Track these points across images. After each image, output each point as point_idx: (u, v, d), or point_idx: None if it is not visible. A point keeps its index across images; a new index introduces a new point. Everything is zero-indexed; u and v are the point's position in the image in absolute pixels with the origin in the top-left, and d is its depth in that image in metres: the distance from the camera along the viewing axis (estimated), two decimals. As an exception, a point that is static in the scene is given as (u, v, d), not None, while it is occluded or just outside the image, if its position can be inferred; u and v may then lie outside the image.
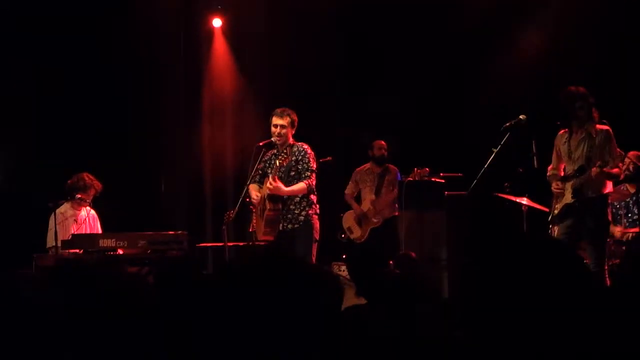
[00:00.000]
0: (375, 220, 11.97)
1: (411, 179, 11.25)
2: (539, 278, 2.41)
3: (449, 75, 12.51)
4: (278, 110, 9.38)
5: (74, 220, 10.28)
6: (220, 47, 13.90)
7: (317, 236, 9.37)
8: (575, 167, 8.59)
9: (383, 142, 12.19)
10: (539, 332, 2.35)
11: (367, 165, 12.28)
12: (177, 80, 13.53)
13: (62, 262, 5.75)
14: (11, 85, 11.76)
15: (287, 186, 9.17)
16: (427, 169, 11.28)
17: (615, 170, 8.54)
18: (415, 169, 11.31)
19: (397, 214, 11.84)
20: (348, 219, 12.22)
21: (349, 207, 12.30)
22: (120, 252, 9.40)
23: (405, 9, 12.55)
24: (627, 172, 9.72)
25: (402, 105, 12.49)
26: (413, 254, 7.36)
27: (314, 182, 9.32)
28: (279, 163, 9.05)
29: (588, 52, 11.51)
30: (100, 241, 9.42)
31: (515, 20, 12.26)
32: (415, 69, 12.40)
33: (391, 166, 12.16)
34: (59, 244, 9.59)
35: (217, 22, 13.78)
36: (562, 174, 8.83)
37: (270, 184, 9.00)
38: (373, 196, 12.06)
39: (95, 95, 12.35)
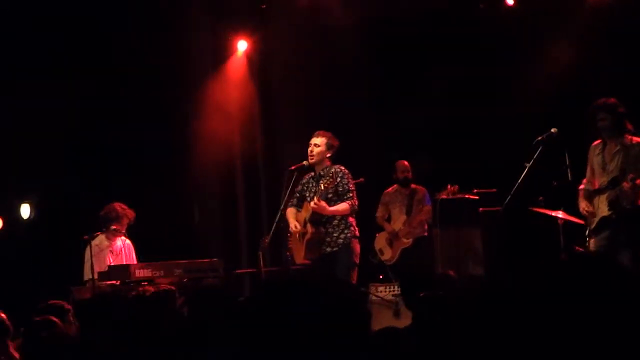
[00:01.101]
0: (406, 241, 11.93)
1: (445, 197, 11.22)
2: (583, 292, 2.36)
3: (479, 90, 12.45)
4: (316, 132, 9.47)
5: (110, 251, 10.29)
6: (249, 70, 13.91)
7: (356, 260, 9.36)
8: (609, 179, 8.52)
9: (406, 163, 12.16)
10: (587, 350, 2.31)
11: (395, 187, 12.26)
12: (208, 107, 13.53)
13: (99, 296, 5.78)
14: (42, 116, 11.79)
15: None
16: (457, 186, 11.26)
17: None
18: (449, 185, 11.29)
19: (426, 234, 11.82)
20: (380, 241, 12.20)
21: (379, 230, 12.27)
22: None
23: (434, 23, 12.51)
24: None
25: (432, 121, 12.46)
26: (452, 273, 7.30)
27: (356, 203, 9.33)
28: (324, 186, 9.08)
29: (619, 62, 11.43)
30: (136, 271, 9.43)
31: (546, 31, 12.19)
32: (445, 84, 12.36)
33: (418, 187, 12.12)
34: (96, 276, 9.60)
35: (242, 45, 13.76)
36: (596, 188, 8.75)
37: (315, 203, 9.01)
38: (404, 216, 12.03)
39: (126, 123, 12.37)
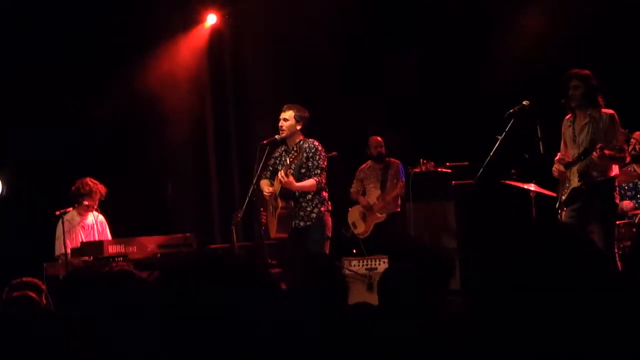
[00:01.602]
0: (380, 215, 11.98)
1: (417, 170, 11.25)
2: (552, 263, 2.39)
3: (449, 63, 12.46)
4: (284, 106, 9.44)
5: (81, 226, 10.26)
6: (220, 45, 13.87)
7: (329, 233, 9.40)
8: (580, 151, 8.57)
9: (379, 138, 12.20)
10: (553, 318, 2.33)
11: (369, 163, 12.28)
12: (179, 81, 13.48)
13: (72, 272, 5.76)
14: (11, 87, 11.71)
15: (298, 182, 9.19)
16: (433, 163, 11.30)
17: (621, 154, 8.52)
18: (421, 160, 11.31)
19: (399, 209, 11.85)
20: (353, 214, 12.24)
21: (353, 204, 12.30)
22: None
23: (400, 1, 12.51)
24: (633, 153, 9.72)
25: (405, 96, 12.45)
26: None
27: (324, 180, 9.34)
28: (290, 160, 9.08)
29: (592, 34, 11.45)
30: (109, 247, 9.42)
31: (515, 2, 12.19)
32: (415, 60, 12.36)
33: (393, 160, 12.15)
34: (69, 252, 9.58)
35: (212, 19, 13.70)
36: (568, 160, 8.79)
37: (283, 177, 9.01)
38: (379, 191, 12.07)
39: (97, 98, 12.30)
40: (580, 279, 2.35)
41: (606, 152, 8.30)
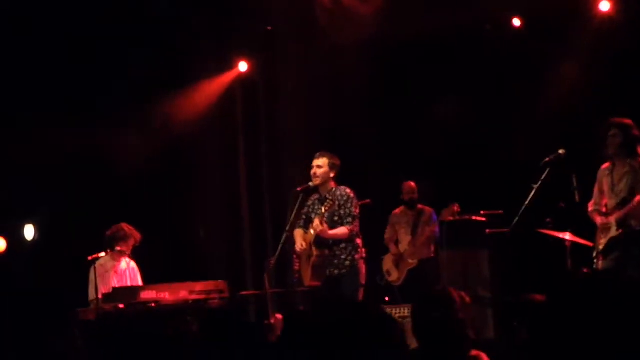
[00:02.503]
0: (411, 261, 11.93)
1: (451, 219, 11.23)
2: (602, 314, 2.32)
3: (486, 112, 12.44)
4: (317, 153, 9.45)
5: (115, 272, 10.24)
6: (253, 92, 13.92)
7: (363, 281, 9.37)
8: (618, 200, 8.49)
9: (412, 184, 12.19)
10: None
11: (402, 208, 12.26)
12: (211, 126, 13.53)
13: (103, 317, 5.74)
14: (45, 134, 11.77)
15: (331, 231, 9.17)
16: (457, 205, 11.27)
17: None
18: (449, 204, 11.31)
19: (432, 255, 11.81)
20: (387, 262, 12.20)
21: (388, 252, 12.27)
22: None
23: (440, 45, 12.50)
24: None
25: (440, 143, 12.44)
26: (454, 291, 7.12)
27: (356, 228, 9.32)
28: (325, 209, 9.06)
29: (628, 84, 11.39)
30: (141, 293, 9.39)
31: (553, 52, 12.16)
32: (450, 108, 12.33)
33: (425, 207, 12.12)
34: (100, 297, 9.56)
35: (242, 66, 13.75)
36: (605, 210, 8.71)
37: (317, 226, 8.99)
38: (410, 237, 12.03)
39: (131, 144, 12.35)
40: (631, 328, 2.28)
41: None
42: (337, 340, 2.63)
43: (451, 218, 11.31)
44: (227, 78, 13.73)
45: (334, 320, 2.65)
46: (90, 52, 12.09)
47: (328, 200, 9.18)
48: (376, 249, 11.61)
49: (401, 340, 2.90)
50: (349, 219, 9.27)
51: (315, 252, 9.27)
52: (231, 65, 13.72)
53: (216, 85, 13.66)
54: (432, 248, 11.88)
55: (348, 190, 9.42)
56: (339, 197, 9.30)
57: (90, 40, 12.02)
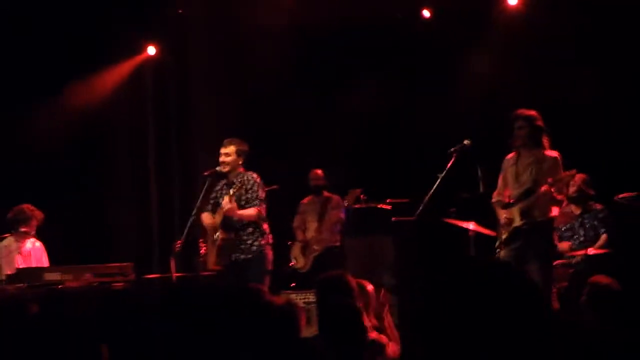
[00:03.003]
0: (316, 248, 11.99)
1: (357, 206, 11.30)
2: (489, 301, 2.39)
3: (396, 100, 12.54)
4: (225, 141, 9.46)
5: (19, 253, 10.14)
6: (162, 76, 13.84)
7: (269, 267, 9.43)
8: (522, 191, 8.62)
9: (318, 171, 12.25)
10: (489, 355, 2.33)
11: (310, 197, 12.32)
12: (121, 109, 13.43)
13: (4, 298, 5.67)
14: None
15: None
16: (360, 190, 11.37)
17: (561, 196, 8.60)
18: (361, 195, 11.37)
19: (338, 244, 11.87)
20: (294, 250, 12.25)
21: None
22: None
23: (353, 34, 12.56)
24: (573, 195, 9.81)
25: (349, 131, 12.51)
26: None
27: (264, 212, 9.37)
28: (232, 192, 9.10)
29: (534, 75, 11.58)
30: (45, 274, 9.31)
31: (462, 43, 12.29)
32: (360, 96, 12.41)
33: (332, 195, 12.18)
34: (4, 278, 9.46)
35: (151, 50, 13.67)
36: (507, 200, 8.84)
37: (227, 203, 9.01)
38: (316, 223, 12.09)
39: (41, 126, 12.21)
40: (516, 316, 2.36)
41: (554, 192, 8.38)
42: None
43: (355, 204, 11.39)
44: (135, 61, 13.63)
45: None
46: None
47: (236, 184, 9.22)
48: (283, 236, 11.66)
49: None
50: (256, 202, 9.35)
51: (221, 235, 9.29)
52: (141, 49, 13.61)
53: (125, 69, 13.54)
54: (338, 237, 11.95)
55: (254, 175, 9.50)
56: (246, 181, 9.35)
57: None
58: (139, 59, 13.65)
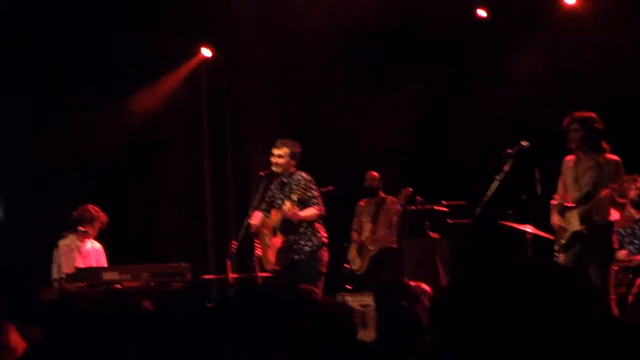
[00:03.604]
0: (371, 249, 11.95)
1: (414, 208, 11.27)
2: (552, 306, 2.35)
3: (450, 101, 12.48)
4: (277, 142, 9.44)
5: (79, 252, 10.23)
6: (217, 77, 13.90)
7: (322, 268, 9.36)
8: (581, 194, 8.50)
9: (375, 173, 12.21)
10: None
11: (366, 199, 12.31)
12: (174, 110, 13.51)
13: (64, 297, 5.74)
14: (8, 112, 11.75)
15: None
16: (410, 189, 11.33)
17: (623, 200, 8.47)
18: (417, 197, 11.34)
19: (394, 245, 11.83)
20: (351, 251, 12.24)
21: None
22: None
23: (405, 33, 12.52)
24: (635, 198, 9.65)
25: (403, 132, 12.47)
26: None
27: (323, 209, 9.35)
28: (296, 197, 9.10)
29: (593, 76, 11.44)
30: (104, 274, 9.39)
31: (519, 43, 12.19)
32: (416, 95, 12.36)
33: (388, 197, 12.15)
34: (63, 277, 9.56)
35: (206, 52, 13.73)
36: (569, 205, 8.71)
37: (289, 209, 9.02)
38: (371, 224, 12.06)
39: (97, 127, 12.34)
40: (580, 322, 2.32)
41: (615, 196, 8.25)
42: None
43: (411, 206, 11.37)
44: (191, 64, 13.71)
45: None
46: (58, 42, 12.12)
47: (298, 188, 9.19)
48: (339, 238, 11.65)
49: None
50: (314, 200, 9.32)
51: (280, 236, 9.30)
52: (195, 51, 13.69)
53: (182, 73, 13.63)
54: (394, 238, 11.92)
55: (304, 174, 9.46)
56: (300, 182, 9.33)
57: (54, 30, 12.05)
58: (193, 61, 13.72)
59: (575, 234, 8.50)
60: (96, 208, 10.27)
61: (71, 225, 10.19)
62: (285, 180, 9.42)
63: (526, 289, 2.39)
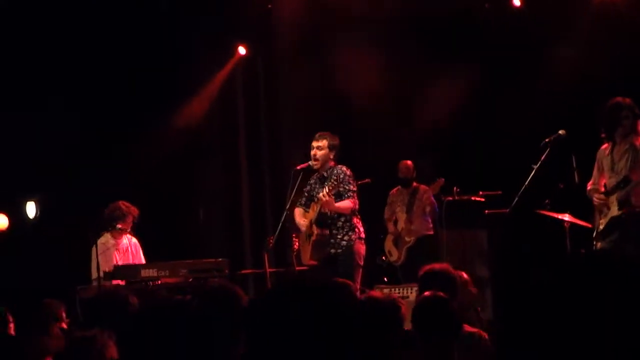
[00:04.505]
0: (407, 239, 11.94)
1: (450, 199, 11.26)
2: (590, 292, 2.32)
3: (485, 91, 12.42)
4: (317, 134, 9.47)
5: (116, 249, 10.29)
6: (252, 73, 13.94)
7: (361, 261, 9.37)
8: (619, 179, 8.47)
9: (409, 163, 12.20)
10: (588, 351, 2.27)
11: (398, 188, 12.28)
12: (211, 109, 13.55)
13: (104, 294, 5.77)
14: (45, 114, 11.85)
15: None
16: (442, 179, 11.31)
17: None
18: (455, 188, 11.32)
19: (431, 232, 11.82)
20: (387, 242, 12.22)
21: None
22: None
23: (438, 24, 12.47)
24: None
25: (439, 122, 12.42)
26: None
27: (357, 203, 9.36)
28: (330, 187, 9.11)
29: (627, 64, 11.36)
30: (142, 271, 9.43)
31: (552, 32, 12.12)
32: (450, 85, 12.32)
33: (421, 185, 12.12)
34: (102, 275, 9.59)
35: (241, 50, 13.76)
36: (603, 189, 8.71)
37: (324, 196, 9.01)
38: (405, 215, 12.03)
39: (129, 123, 12.40)
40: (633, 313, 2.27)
41: None
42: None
43: (447, 197, 11.35)
44: (229, 65, 13.78)
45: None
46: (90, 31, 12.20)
47: (332, 180, 9.21)
48: (376, 230, 11.64)
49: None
50: (349, 194, 9.34)
51: (316, 230, 9.31)
52: (232, 50, 13.72)
53: (221, 75, 13.72)
54: (431, 225, 11.90)
55: (344, 168, 9.49)
56: (338, 174, 9.34)
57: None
58: (232, 61, 13.78)
59: (614, 220, 8.47)
60: (127, 204, 10.30)
61: (105, 223, 10.24)
62: (325, 174, 9.44)
63: (580, 283, 2.35)
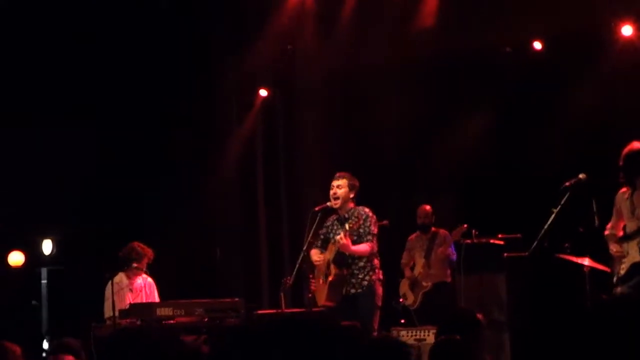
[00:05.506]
0: (425, 284, 11.90)
1: (469, 242, 11.20)
2: (609, 342, 2.28)
3: (505, 135, 12.41)
4: (337, 174, 9.45)
5: (130, 289, 10.26)
6: (271, 113, 13.98)
7: (379, 302, 9.34)
8: (639, 224, 8.40)
9: (428, 208, 12.17)
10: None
11: (417, 233, 12.25)
12: (232, 148, 13.58)
13: (119, 332, 5.72)
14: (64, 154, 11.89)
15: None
16: (466, 225, 11.25)
17: None
18: (473, 231, 11.26)
19: (449, 279, 11.77)
20: (403, 286, 12.21)
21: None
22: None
23: (459, 69, 12.49)
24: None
25: (459, 166, 12.41)
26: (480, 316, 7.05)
27: (376, 246, 9.31)
28: (349, 227, 9.04)
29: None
30: (158, 310, 9.38)
31: (572, 75, 12.11)
32: (469, 131, 12.33)
33: (439, 230, 12.08)
34: (117, 314, 9.55)
35: (262, 93, 13.81)
36: (621, 233, 8.64)
37: (341, 238, 8.95)
38: (423, 260, 12.00)
39: (148, 164, 12.44)
40: None
41: None
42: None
43: (466, 240, 11.28)
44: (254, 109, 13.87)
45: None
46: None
47: (353, 219, 9.16)
48: (392, 272, 11.58)
49: None
50: (369, 237, 9.29)
51: (333, 270, 9.27)
52: (254, 93, 13.78)
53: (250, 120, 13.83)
54: (449, 272, 11.85)
55: (367, 210, 9.44)
56: (359, 216, 9.29)
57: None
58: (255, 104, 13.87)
59: (635, 265, 8.38)
60: (141, 245, 10.30)
61: (120, 264, 10.23)
62: (346, 215, 9.38)
63: (588, 334, 2.31)
